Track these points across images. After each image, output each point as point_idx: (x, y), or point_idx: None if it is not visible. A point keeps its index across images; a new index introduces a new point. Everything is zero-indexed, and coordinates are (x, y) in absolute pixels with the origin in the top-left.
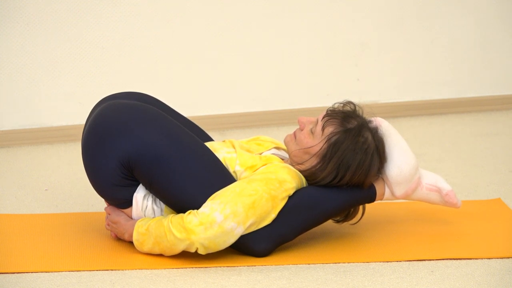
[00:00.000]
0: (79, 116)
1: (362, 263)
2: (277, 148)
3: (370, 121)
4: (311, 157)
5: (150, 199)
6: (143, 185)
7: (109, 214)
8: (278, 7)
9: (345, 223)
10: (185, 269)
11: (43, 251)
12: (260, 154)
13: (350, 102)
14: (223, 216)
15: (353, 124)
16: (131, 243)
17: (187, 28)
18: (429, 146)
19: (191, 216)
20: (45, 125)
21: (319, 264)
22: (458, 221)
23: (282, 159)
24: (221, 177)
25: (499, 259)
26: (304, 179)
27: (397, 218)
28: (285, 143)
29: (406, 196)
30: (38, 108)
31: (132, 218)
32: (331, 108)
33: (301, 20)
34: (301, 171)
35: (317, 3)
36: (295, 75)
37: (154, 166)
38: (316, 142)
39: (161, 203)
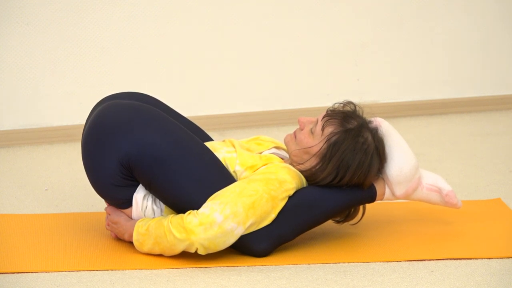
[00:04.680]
0: (79, 116)
1: (362, 263)
2: (277, 147)
3: (370, 121)
4: (311, 157)
5: (150, 199)
6: (142, 185)
7: (109, 214)
8: (278, 7)
9: (345, 223)
10: (185, 269)
11: (43, 251)
12: (260, 153)
13: (350, 102)
14: (223, 216)
15: (353, 124)
16: (131, 243)
17: (187, 28)
18: (429, 146)
19: (191, 217)
20: (45, 125)
21: (319, 264)
22: (458, 221)
23: (282, 159)
24: (221, 177)
25: (499, 259)
26: (304, 179)
27: (397, 218)
28: (285, 143)
29: (407, 196)
30: (38, 108)
31: (132, 219)
32: (331, 108)
33: (301, 20)
34: (301, 171)
35: (317, 3)
36: (295, 75)
37: (153, 166)
38: (316, 142)
39: (161, 203)
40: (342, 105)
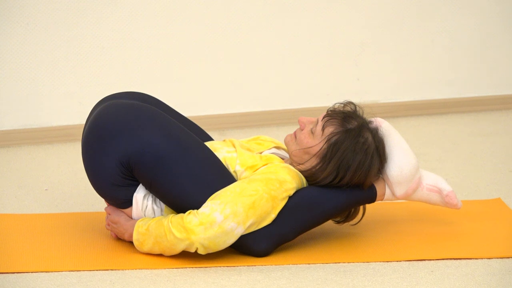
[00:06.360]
0: (79, 116)
1: (362, 263)
2: (277, 147)
3: (370, 122)
4: (311, 157)
5: (150, 199)
6: (143, 185)
7: (109, 214)
8: (278, 7)
9: (346, 224)
10: (185, 269)
11: (43, 251)
12: (260, 153)
13: (350, 103)
14: (223, 216)
15: (353, 124)
16: (131, 243)
17: (187, 28)
18: (429, 146)
19: (191, 216)
20: (45, 125)
21: (319, 264)
22: (458, 221)
23: (282, 159)
24: (221, 177)
25: (499, 259)
26: (304, 179)
27: (397, 218)
28: (286, 143)
29: (407, 197)
30: (38, 108)
31: (132, 218)
32: (331, 108)
33: (301, 20)
34: (301, 171)
35: (317, 3)
36: (295, 75)
37: (154, 166)
38: (316, 142)
39: (161, 203)
40: (342, 105)
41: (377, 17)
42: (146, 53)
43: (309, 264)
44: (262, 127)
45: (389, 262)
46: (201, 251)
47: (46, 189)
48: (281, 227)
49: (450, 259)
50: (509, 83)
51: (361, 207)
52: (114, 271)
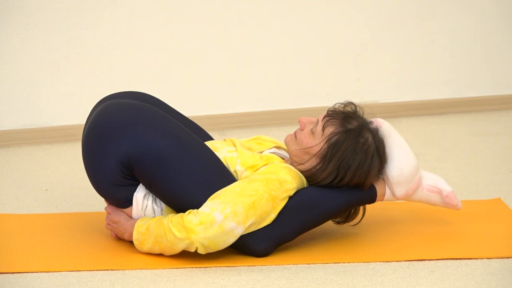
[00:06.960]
0: (79, 116)
1: (362, 263)
2: (278, 147)
3: (370, 122)
4: (312, 157)
5: (150, 198)
6: (143, 184)
7: (109, 214)
8: (278, 7)
9: (346, 224)
10: (185, 269)
11: (43, 251)
12: (261, 152)
13: (351, 103)
14: (223, 216)
15: (353, 124)
16: (131, 242)
17: (187, 28)
18: (429, 146)
19: (191, 216)
20: (45, 125)
21: (319, 264)
22: (458, 221)
23: (283, 159)
24: (221, 176)
25: (499, 259)
26: (304, 180)
27: (397, 218)
28: (286, 143)
29: (407, 197)
30: (38, 108)
31: (132, 218)
32: (331, 109)
33: (301, 20)
34: (301, 171)
35: (317, 3)
36: (295, 75)
37: (154, 165)
38: (316, 142)
39: (161, 202)
40: (342, 105)
41: (377, 17)
42: (146, 53)
43: (309, 264)
44: (262, 127)
45: (389, 262)
46: (201, 251)
47: (46, 189)
48: (281, 227)
49: (450, 259)
50: (509, 83)
51: (361, 207)
52: (114, 271)
